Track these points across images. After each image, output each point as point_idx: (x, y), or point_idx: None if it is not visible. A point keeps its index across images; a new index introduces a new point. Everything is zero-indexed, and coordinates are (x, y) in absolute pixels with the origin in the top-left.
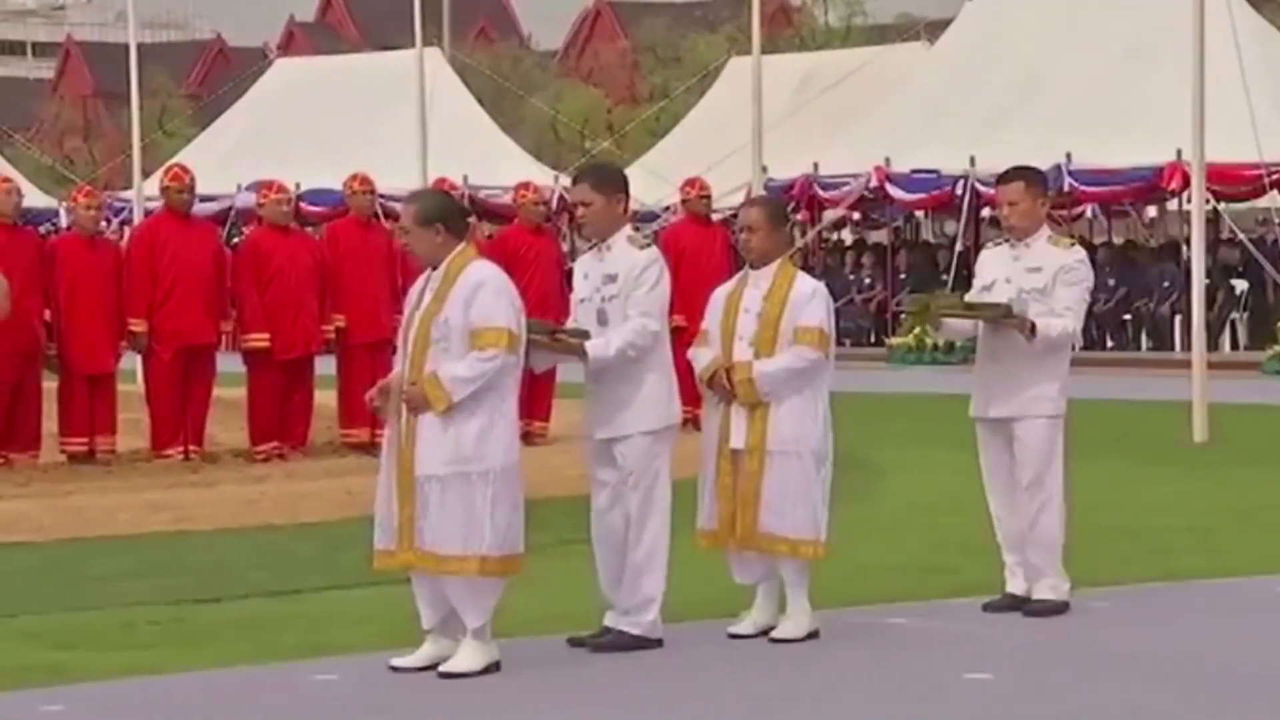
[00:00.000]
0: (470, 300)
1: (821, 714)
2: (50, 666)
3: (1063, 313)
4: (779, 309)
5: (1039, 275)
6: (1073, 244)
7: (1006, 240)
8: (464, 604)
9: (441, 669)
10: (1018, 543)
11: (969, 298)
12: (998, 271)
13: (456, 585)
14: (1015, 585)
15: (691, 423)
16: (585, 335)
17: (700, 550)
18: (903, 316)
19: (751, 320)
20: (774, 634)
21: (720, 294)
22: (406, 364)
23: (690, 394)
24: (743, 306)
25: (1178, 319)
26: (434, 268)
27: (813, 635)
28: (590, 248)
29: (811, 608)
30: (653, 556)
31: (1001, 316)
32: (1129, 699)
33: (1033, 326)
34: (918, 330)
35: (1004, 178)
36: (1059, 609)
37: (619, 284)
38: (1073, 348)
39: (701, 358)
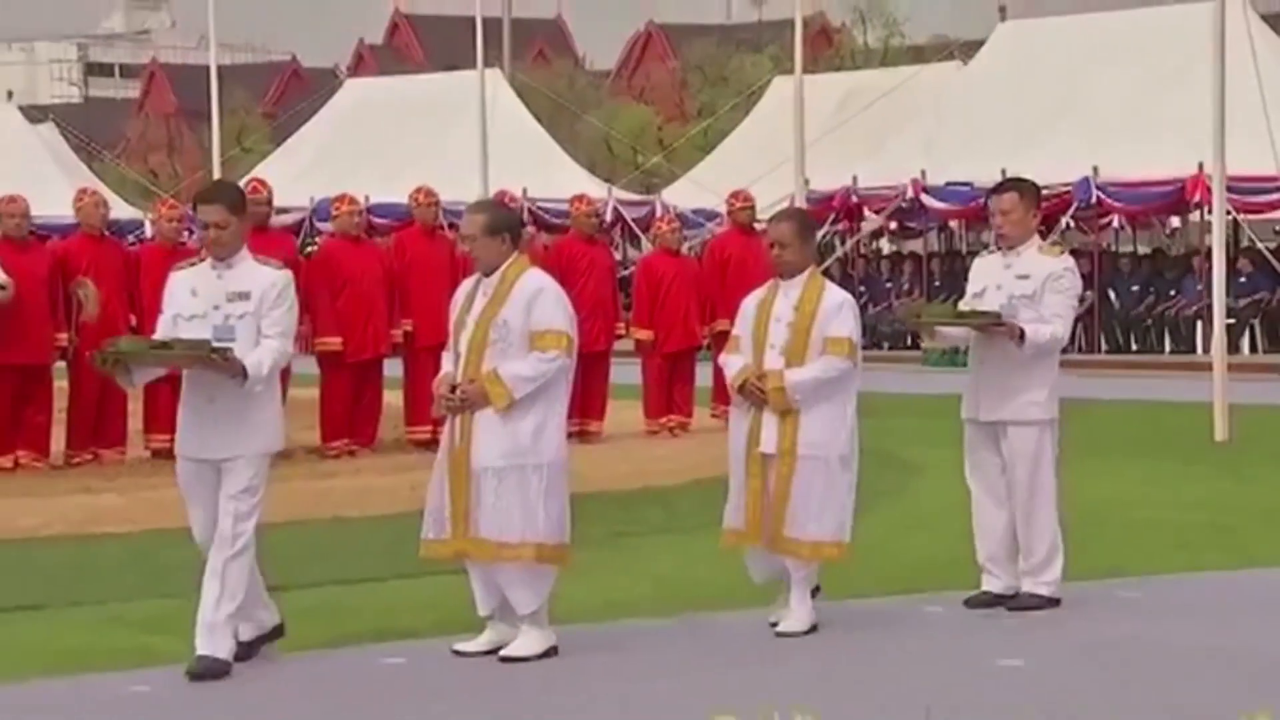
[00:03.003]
0: (531, 304)
1: (862, 695)
2: (137, 649)
3: (1051, 319)
4: (809, 319)
5: (1028, 282)
6: (1061, 253)
7: (998, 248)
8: (517, 590)
9: (502, 653)
10: (996, 544)
11: (962, 305)
12: (989, 279)
13: (510, 572)
14: (991, 584)
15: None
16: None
17: (724, 548)
18: (895, 323)
19: (783, 329)
20: (779, 628)
21: (750, 302)
22: (460, 364)
23: (723, 395)
24: (774, 315)
25: (1199, 323)
26: (488, 274)
27: (812, 630)
28: (190, 265)
29: (842, 598)
30: (233, 581)
31: (991, 324)
32: (1153, 683)
33: (1021, 333)
34: None
35: (999, 188)
36: (1048, 604)
37: (253, 301)
38: (1086, 349)
39: (732, 364)
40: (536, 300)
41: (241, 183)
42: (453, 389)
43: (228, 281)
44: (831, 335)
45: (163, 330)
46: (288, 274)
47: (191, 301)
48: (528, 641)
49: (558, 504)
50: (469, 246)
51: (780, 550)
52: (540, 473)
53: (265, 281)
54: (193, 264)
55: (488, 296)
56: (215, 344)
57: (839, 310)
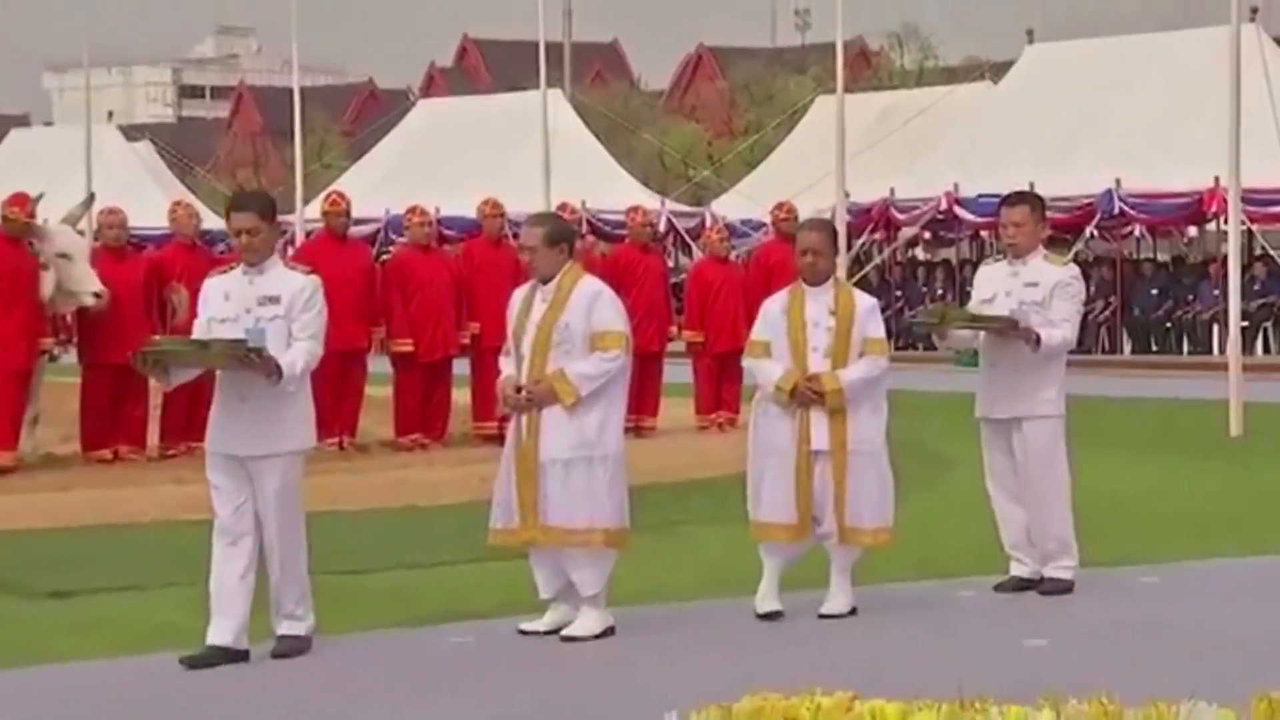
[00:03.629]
0: (591, 308)
1: (898, 674)
2: None
3: (1060, 323)
4: (848, 322)
5: (1037, 289)
6: (1066, 262)
7: (1003, 257)
8: (583, 573)
9: (564, 633)
10: (1018, 532)
11: (969, 309)
12: (997, 286)
13: (577, 556)
14: (1019, 570)
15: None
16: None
17: (762, 541)
18: (915, 327)
19: (823, 333)
20: (823, 610)
21: (775, 308)
22: (525, 366)
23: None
24: (810, 320)
25: (1215, 326)
26: (545, 281)
27: (852, 613)
28: (225, 271)
29: (879, 583)
30: (293, 573)
31: (1008, 328)
32: (1169, 663)
33: (1038, 337)
34: None
35: (1009, 200)
36: (1071, 588)
37: (283, 305)
38: (1109, 349)
39: (768, 369)
40: (595, 304)
41: (321, 196)
42: (518, 389)
43: (259, 286)
44: (870, 336)
45: (198, 334)
46: (316, 279)
47: (224, 305)
48: (587, 622)
49: (619, 492)
50: (529, 256)
51: (846, 540)
52: (605, 463)
53: (295, 286)
54: (228, 270)
55: (547, 302)
56: (251, 344)
57: (872, 313)
